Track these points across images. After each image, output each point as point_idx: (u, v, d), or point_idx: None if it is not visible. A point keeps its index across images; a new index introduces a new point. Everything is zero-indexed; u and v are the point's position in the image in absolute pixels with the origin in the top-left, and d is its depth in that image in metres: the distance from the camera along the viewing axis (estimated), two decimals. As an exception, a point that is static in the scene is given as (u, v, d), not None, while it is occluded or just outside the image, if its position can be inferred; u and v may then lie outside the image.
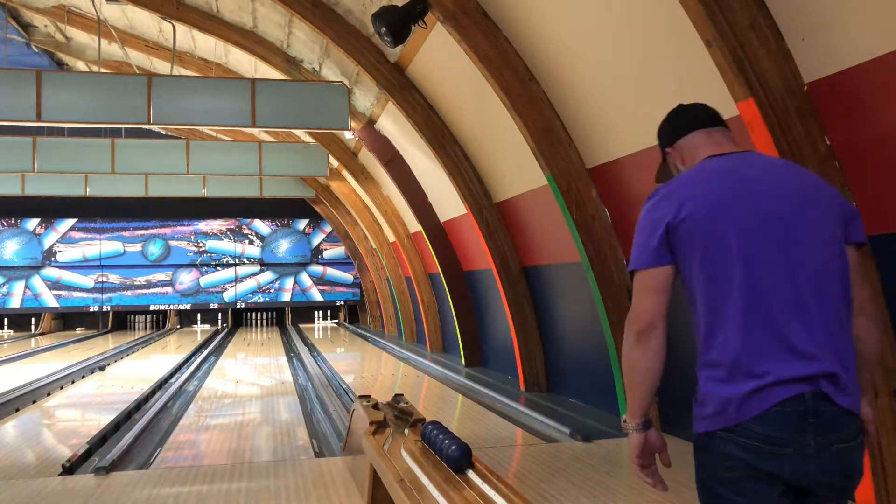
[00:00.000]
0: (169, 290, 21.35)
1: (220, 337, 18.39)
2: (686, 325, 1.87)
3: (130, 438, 6.32)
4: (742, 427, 1.70)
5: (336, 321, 23.18)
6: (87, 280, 20.90)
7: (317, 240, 22.20)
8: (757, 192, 1.78)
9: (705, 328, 1.78)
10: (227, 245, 21.79)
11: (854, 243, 1.83)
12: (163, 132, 16.63)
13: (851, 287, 1.78)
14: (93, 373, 11.59)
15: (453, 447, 3.24)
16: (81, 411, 8.74)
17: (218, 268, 21.67)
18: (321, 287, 22.15)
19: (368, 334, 18.07)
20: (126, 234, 21.14)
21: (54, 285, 20.70)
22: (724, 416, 1.73)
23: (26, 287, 20.49)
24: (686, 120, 2.01)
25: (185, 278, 21.46)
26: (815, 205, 1.79)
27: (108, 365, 12.66)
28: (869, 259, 3.22)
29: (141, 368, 12.49)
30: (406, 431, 4.03)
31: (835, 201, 1.82)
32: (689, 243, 1.77)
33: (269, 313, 23.05)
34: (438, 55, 7.60)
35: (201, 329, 21.71)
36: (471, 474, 3.14)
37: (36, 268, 20.62)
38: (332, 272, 22.24)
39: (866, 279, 1.86)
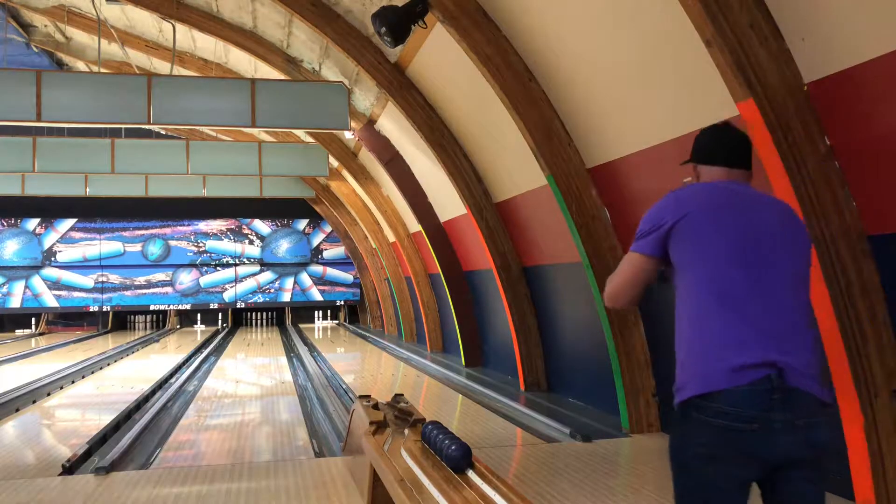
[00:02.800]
0: (169, 290, 21.35)
1: (220, 337, 18.39)
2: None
3: (130, 438, 6.31)
4: (714, 399, 1.89)
5: (336, 321, 23.18)
6: (87, 280, 20.90)
7: (317, 240, 22.19)
8: (748, 210, 2.07)
9: (691, 314, 2.02)
10: (227, 245, 21.79)
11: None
12: (163, 132, 16.62)
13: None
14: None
15: (453, 447, 3.24)
16: (81, 411, 8.74)
17: (218, 268, 21.66)
18: (321, 287, 22.15)
19: (368, 334, 18.07)
20: (126, 234, 21.14)
21: (54, 285, 20.70)
22: (700, 384, 1.93)
23: (26, 287, 20.49)
24: (722, 151, 2.23)
25: (185, 278, 21.46)
26: (792, 230, 2.11)
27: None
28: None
29: (141, 368, 12.49)
30: (406, 431, 4.03)
31: (804, 233, 2.17)
32: (685, 242, 2.04)
33: (269, 313, 23.05)
34: (438, 55, 7.60)
35: (201, 329, 21.70)
36: (471, 474, 3.14)
37: (36, 268, 20.61)
38: (332, 272, 22.23)
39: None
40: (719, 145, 2.23)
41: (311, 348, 14.98)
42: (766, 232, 2.04)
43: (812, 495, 1.99)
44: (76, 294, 20.82)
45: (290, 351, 14.85)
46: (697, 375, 1.94)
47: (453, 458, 3.21)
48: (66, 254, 20.82)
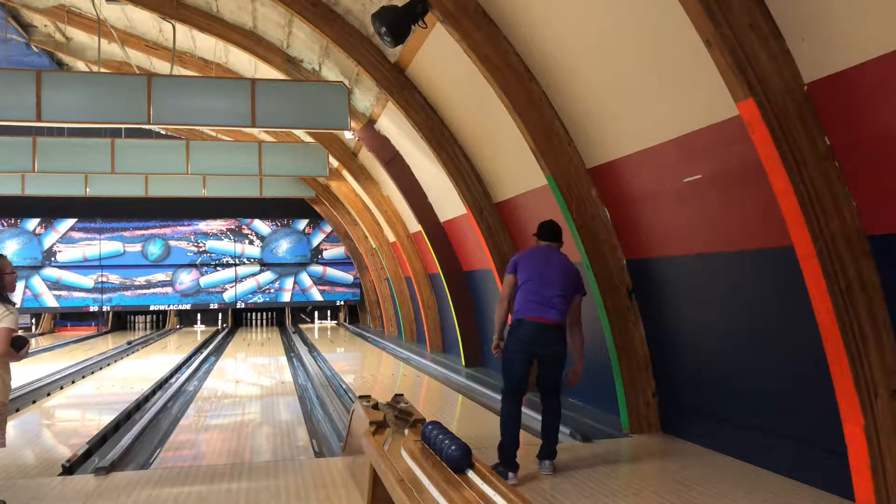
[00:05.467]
0: (169, 290, 21.35)
1: (219, 337, 18.39)
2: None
3: (130, 438, 6.32)
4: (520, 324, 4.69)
5: (336, 321, 23.18)
6: (87, 280, 20.90)
7: (317, 240, 22.20)
8: (545, 261, 4.83)
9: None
10: (227, 245, 21.79)
11: (579, 294, 4.84)
12: (163, 132, 16.63)
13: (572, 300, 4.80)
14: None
15: (453, 447, 3.25)
16: (81, 411, 8.74)
17: (218, 268, 21.67)
18: (321, 287, 22.15)
19: (368, 334, 18.07)
20: (126, 234, 21.14)
21: (54, 285, 20.70)
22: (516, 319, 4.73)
23: (26, 287, 20.49)
24: (543, 232, 5.00)
25: (185, 278, 21.46)
26: (564, 270, 4.78)
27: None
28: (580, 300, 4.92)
29: (141, 368, 12.49)
30: (406, 431, 4.03)
31: (571, 271, 4.81)
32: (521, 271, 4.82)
33: (269, 313, 23.05)
34: (438, 55, 7.60)
35: (201, 329, 21.70)
36: (471, 474, 3.14)
37: (36, 268, 20.62)
38: (332, 272, 22.24)
39: (577, 309, 4.83)
40: (544, 230, 4.98)
41: (311, 348, 14.98)
42: (551, 269, 4.76)
43: (551, 375, 4.74)
44: (76, 294, 20.82)
45: (289, 351, 14.85)
46: (516, 319, 4.70)
47: (453, 458, 3.21)
48: (66, 254, 20.83)
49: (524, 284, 4.70)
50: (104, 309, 21.07)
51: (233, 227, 21.81)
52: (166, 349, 16.05)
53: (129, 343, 12.49)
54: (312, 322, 22.99)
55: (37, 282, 20.61)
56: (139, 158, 12.99)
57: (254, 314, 23.03)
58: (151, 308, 21.53)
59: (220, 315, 22.48)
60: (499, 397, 7.97)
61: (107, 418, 7.39)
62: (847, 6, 3.42)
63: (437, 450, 3.36)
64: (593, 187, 6.14)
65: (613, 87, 5.50)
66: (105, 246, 21.02)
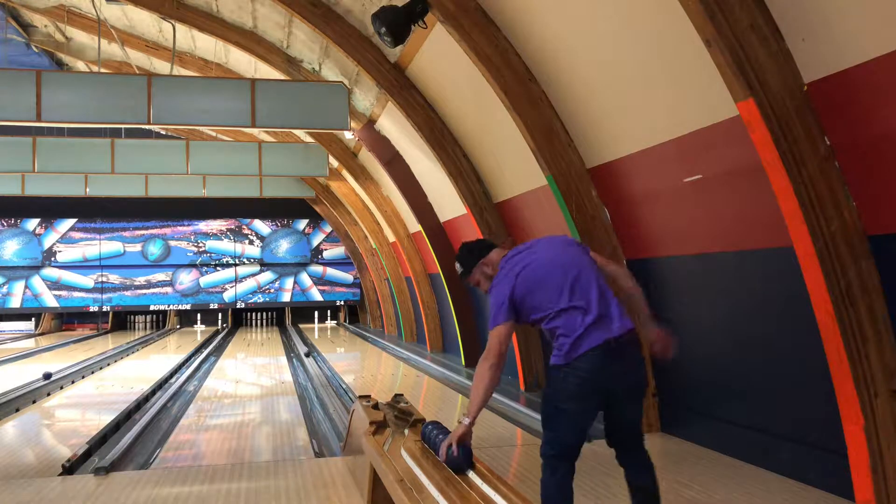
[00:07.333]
0: (169, 290, 21.34)
1: (219, 337, 18.39)
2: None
3: (130, 438, 6.32)
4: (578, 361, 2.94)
5: (336, 321, 23.17)
6: (87, 280, 20.89)
7: (317, 240, 22.19)
8: (547, 256, 3.11)
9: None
10: (227, 245, 21.79)
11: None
12: (163, 132, 16.62)
13: (602, 271, 3.12)
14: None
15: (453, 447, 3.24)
16: (81, 411, 8.74)
17: (218, 268, 21.66)
18: (321, 287, 22.14)
19: (368, 334, 18.07)
20: (126, 234, 21.14)
21: (54, 285, 20.69)
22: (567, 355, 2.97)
23: (26, 287, 20.49)
24: (482, 247, 3.34)
25: (185, 278, 21.46)
26: (570, 248, 3.16)
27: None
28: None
29: (141, 368, 12.49)
30: (406, 431, 4.03)
31: (575, 244, 3.23)
32: (521, 292, 3.03)
33: (269, 313, 23.05)
34: (438, 55, 7.60)
35: (201, 329, 21.70)
36: (471, 475, 3.14)
37: (36, 268, 20.61)
38: (332, 272, 22.23)
39: (608, 262, 3.23)
40: (479, 246, 3.37)
41: (311, 348, 14.98)
42: (559, 260, 3.13)
43: (632, 414, 3.33)
44: (76, 294, 20.82)
45: (289, 351, 14.85)
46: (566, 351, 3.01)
47: (453, 458, 3.20)
48: (66, 254, 20.82)
49: (557, 316, 2.94)
50: (104, 309, 21.07)
51: (233, 227, 21.81)
52: (166, 349, 16.05)
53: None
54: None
55: (37, 282, 20.61)
56: (139, 158, 12.99)
57: (254, 314, 23.03)
58: (151, 308, 21.52)
59: (220, 315, 22.47)
60: (499, 397, 8.04)
61: (107, 418, 7.39)
62: (847, 6, 3.42)
63: (437, 450, 3.36)
64: (593, 187, 6.14)
65: (614, 86, 5.50)
66: (105, 246, 21.02)
